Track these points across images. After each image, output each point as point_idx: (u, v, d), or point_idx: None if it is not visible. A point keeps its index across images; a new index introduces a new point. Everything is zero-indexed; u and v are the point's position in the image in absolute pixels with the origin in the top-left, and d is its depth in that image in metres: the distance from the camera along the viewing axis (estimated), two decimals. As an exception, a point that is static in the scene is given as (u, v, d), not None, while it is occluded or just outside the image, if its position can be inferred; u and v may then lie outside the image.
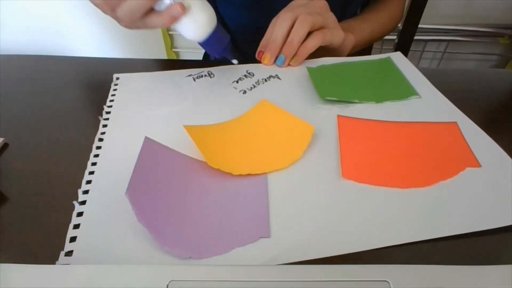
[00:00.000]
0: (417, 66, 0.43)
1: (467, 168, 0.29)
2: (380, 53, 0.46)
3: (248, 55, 0.59)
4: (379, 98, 0.38)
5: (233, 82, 0.41)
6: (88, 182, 0.29)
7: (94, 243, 0.24)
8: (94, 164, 0.30)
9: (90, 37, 1.11)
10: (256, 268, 0.21)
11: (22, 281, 0.20)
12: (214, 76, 0.42)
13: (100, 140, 0.33)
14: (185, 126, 0.31)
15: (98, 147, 0.32)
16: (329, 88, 0.38)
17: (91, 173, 0.29)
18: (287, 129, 0.33)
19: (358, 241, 0.24)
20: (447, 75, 0.45)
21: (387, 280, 0.20)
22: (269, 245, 0.24)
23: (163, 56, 1.33)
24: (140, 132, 0.33)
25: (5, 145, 0.33)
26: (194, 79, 0.41)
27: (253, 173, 0.29)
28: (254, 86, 0.40)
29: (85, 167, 0.30)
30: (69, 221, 0.26)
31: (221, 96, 0.39)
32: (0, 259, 0.23)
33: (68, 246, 0.24)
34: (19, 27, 1.07)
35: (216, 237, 0.25)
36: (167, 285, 0.20)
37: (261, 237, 0.24)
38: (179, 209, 0.26)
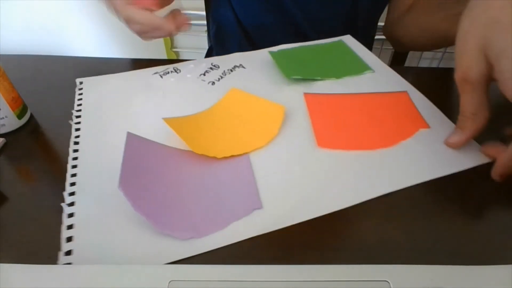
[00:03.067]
0: (417, 65, 0.43)
1: (420, 129, 0.34)
2: (380, 52, 0.48)
3: None
4: (339, 74, 0.41)
5: (200, 75, 0.42)
6: (72, 184, 0.28)
7: (91, 240, 0.24)
8: (74, 166, 0.30)
9: (90, 37, 1.07)
10: (256, 268, 0.21)
11: (22, 281, 0.20)
12: (180, 71, 0.43)
13: (76, 143, 0.32)
14: (165, 119, 0.31)
15: (75, 150, 0.32)
16: (292, 68, 0.41)
17: (73, 175, 0.29)
18: (260, 112, 0.35)
19: (340, 199, 0.27)
20: (447, 75, 0.44)
21: (387, 280, 0.20)
22: (263, 215, 0.26)
23: (163, 56, 1.28)
24: (114, 132, 0.33)
25: (5, 145, 0.33)
26: (161, 76, 0.42)
27: (235, 154, 0.30)
28: (222, 77, 0.42)
29: None
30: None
31: (191, 89, 0.40)
32: (0, 259, 0.23)
33: (65, 246, 0.24)
34: (19, 26, 1.02)
35: (212, 216, 0.26)
36: (167, 285, 0.20)
37: (254, 209, 0.26)
38: (173, 195, 0.27)
